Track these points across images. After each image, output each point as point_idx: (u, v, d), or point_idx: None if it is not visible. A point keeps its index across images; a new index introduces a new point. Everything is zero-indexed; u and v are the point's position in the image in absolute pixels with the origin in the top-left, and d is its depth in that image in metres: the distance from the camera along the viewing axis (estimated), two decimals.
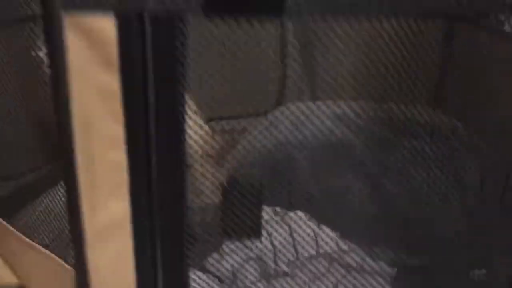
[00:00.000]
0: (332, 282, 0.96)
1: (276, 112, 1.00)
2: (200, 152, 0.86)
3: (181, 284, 0.49)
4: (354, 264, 0.99)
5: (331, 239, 0.98)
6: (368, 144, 0.85)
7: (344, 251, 1.00)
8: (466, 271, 0.86)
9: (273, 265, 0.97)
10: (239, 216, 0.59)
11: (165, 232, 0.46)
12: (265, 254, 0.97)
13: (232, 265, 0.95)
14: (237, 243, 0.91)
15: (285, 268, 0.96)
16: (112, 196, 0.44)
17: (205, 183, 0.82)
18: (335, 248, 0.99)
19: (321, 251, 0.99)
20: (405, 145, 0.85)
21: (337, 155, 0.89)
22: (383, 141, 0.84)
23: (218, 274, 0.94)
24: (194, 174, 0.82)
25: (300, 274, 0.96)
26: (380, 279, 0.98)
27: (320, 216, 0.96)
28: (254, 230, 0.61)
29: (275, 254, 0.96)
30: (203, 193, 0.84)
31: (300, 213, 0.99)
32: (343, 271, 0.99)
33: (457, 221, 0.91)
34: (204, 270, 0.94)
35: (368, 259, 0.99)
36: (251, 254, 0.98)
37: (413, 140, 0.85)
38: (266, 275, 0.97)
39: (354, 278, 0.96)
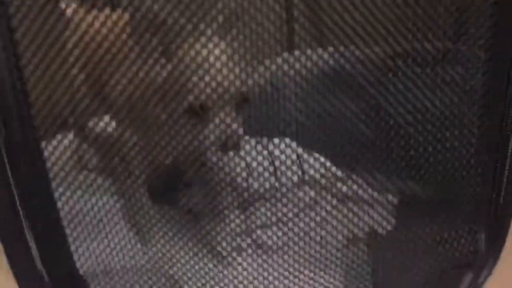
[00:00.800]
0: (319, 213, 0.84)
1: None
2: None
3: None
4: (349, 193, 0.85)
5: (321, 165, 0.83)
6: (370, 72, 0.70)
7: (337, 178, 0.86)
8: None
9: (247, 188, 0.85)
10: None
11: None
12: (240, 177, 0.85)
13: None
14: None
15: (261, 191, 0.84)
16: None
17: None
18: (325, 174, 0.84)
19: (306, 177, 0.85)
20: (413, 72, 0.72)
21: (334, 82, 0.74)
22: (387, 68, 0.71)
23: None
24: None
25: (280, 200, 0.84)
26: (381, 209, 0.85)
27: (310, 141, 0.82)
28: None
29: (249, 177, 0.84)
30: None
31: (285, 139, 0.84)
32: (334, 201, 0.86)
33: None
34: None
35: (365, 187, 0.84)
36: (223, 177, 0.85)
37: (421, 68, 0.72)
38: (240, 201, 0.86)
39: (349, 208, 0.83)
